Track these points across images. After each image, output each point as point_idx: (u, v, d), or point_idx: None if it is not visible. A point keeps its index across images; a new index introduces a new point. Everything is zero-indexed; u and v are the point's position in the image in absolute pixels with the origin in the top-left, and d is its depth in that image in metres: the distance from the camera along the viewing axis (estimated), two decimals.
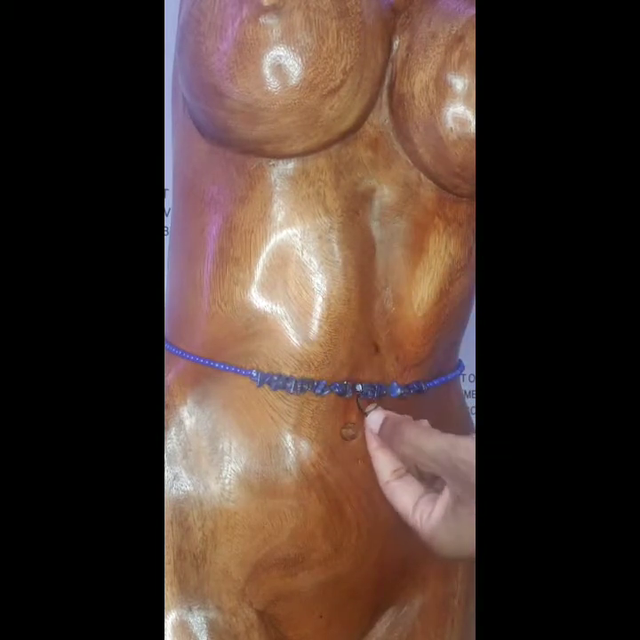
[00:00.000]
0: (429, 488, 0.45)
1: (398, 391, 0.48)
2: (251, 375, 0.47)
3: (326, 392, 0.47)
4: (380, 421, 0.47)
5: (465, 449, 0.40)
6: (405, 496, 0.45)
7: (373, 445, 0.47)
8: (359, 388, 0.47)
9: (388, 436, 0.46)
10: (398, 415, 0.47)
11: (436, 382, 0.51)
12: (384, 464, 0.46)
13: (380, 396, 0.48)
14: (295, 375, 0.47)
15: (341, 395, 0.47)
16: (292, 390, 0.47)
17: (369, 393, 0.47)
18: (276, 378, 0.47)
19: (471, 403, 0.68)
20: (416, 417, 0.47)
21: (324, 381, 0.47)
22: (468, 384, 0.89)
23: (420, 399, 0.50)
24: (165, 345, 0.51)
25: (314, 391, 0.47)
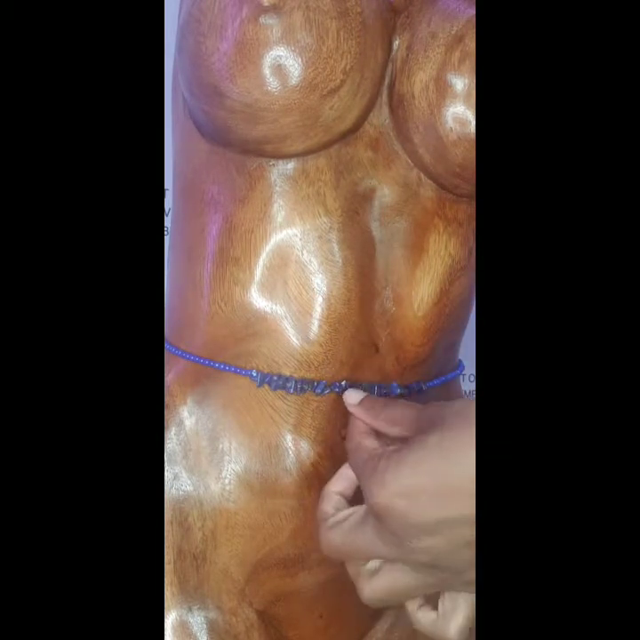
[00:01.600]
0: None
1: (398, 391, 0.49)
2: (250, 375, 0.47)
3: (326, 392, 0.47)
4: (359, 398, 0.46)
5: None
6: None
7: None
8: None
9: (366, 409, 0.45)
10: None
11: (435, 382, 0.51)
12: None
13: (380, 395, 0.48)
14: (295, 375, 0.47)
15: (341, 394, 0.47)
16: (291, 390, 0.47)
17: (369, 393, 0.47)
18: (275, 378, 0.47)
19: None
20: None
21: (323, 381, 0.47)
22: (468, 384, 0.89)
23: (419, 399, 0.50)
24: (165, 345, 0.51)
25: (314, 391, 0.47)
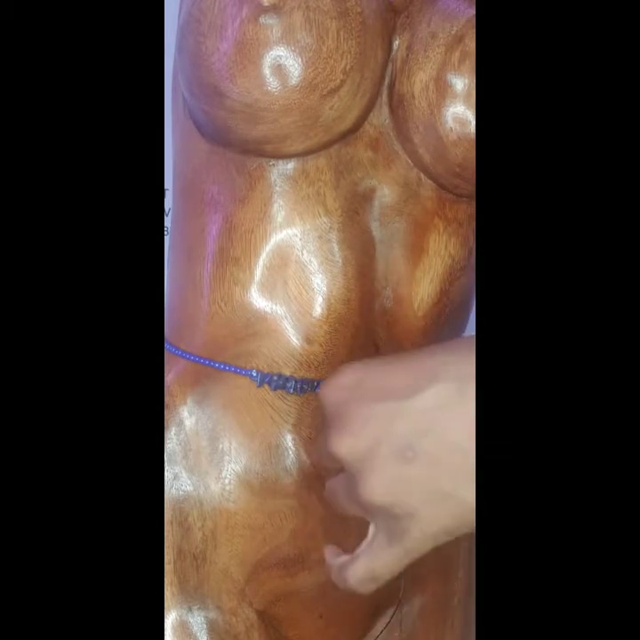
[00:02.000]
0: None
1: None
2: (250, 375, 0.47)
3: None
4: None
5: None
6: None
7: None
8: None
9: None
10: None
11: None
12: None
13: None
14: (295, 375, 0.47)
15: None
16: (291, 390, 0.47)
17: None
18: (275, 378, 0.47)
19: None
20: None
21: (323, 382, 0.47)
22: None
23: None
24: (165, 345, 0.51)
25: (314, 391, 0.47)
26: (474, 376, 0.34)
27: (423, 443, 0.34)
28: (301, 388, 0.47)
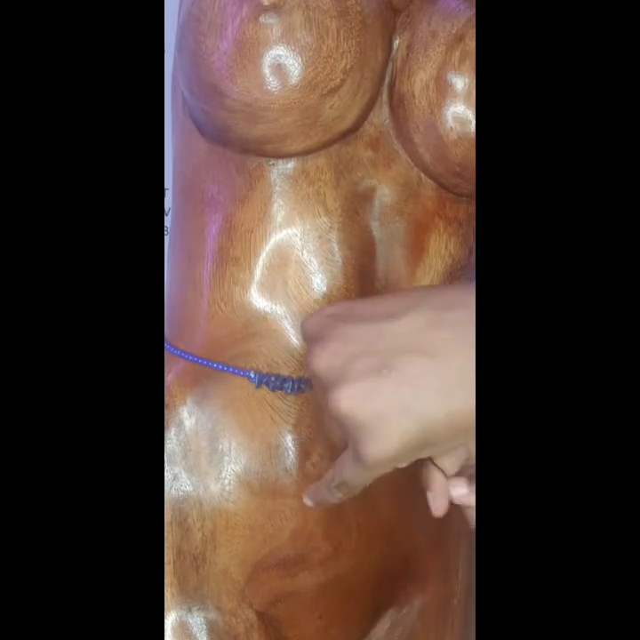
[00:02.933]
0: None
1: None
2: (248, 376, 0.47)
3: None
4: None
5: None
6: None
7: None
8: None
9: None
10: None
11: None
12: None
13: None
14: (294, 375, 0.47)
15: None
16: (289, 391, 0.47)
17: None
18: (273, 378, 0.47)
19: None
20: None
21: None
22: None
23: None
24: (165, 345, 0.51)
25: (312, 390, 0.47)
26: (454, 305, 0.35)
27: (399, 360, 0.34)
28: (299, 387, 0.47)
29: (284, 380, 0.47)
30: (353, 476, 0.38)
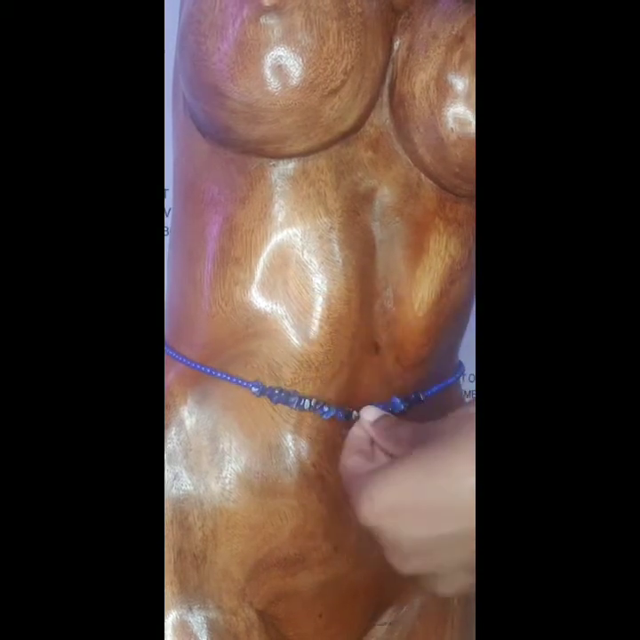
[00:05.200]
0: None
1: (402, 407, 0.49)
2: (250, 389, 0.47)
3: (331, 414, 0.47)
4: (376, 415, 0.44)
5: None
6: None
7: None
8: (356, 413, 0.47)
9: (382, 430, 0.43)
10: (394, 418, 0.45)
11: (434, 389, 0.51)
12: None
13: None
14: (295, 375, 0.47)
15: (346, 419, 0.47)
16: (295, 405, 0.47)
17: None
18: (277, 391, 0.47)
19: None
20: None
21: (330, 406, 0.47)
22: (467, 384, 0.89)
23: (419, 410, 0.50)
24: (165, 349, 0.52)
25: (319, 413, 0.47)
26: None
27: None
28: (311, 406, 0.47)
29: (290, 394, 0.47)
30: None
